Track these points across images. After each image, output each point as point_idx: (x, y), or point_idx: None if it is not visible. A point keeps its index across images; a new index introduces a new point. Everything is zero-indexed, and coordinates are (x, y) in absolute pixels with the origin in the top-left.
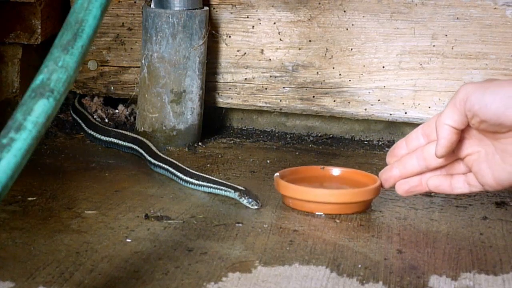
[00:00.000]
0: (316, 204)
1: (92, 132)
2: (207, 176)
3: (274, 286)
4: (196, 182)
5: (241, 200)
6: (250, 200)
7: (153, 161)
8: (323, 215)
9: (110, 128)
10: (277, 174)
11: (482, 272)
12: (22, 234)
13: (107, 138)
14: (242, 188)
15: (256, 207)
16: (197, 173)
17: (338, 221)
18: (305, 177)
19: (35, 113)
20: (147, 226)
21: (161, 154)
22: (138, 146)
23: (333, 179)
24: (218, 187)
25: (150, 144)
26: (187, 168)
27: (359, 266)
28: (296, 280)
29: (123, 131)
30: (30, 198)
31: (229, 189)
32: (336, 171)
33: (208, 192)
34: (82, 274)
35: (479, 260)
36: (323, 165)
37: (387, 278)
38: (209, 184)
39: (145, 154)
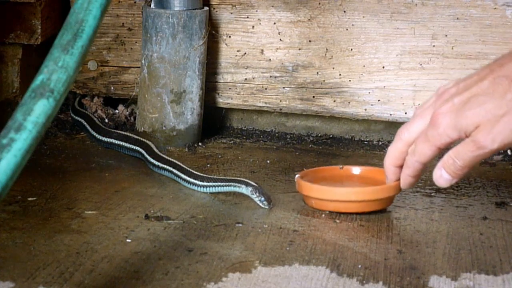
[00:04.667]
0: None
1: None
2: (212, 176)
3: (274, 286)
4: (201, 183)
5: (252, 196)
6: (262, 199)
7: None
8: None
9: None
10: (297, 175)
11: (482, 272)
12: (22, 234)
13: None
14: (254, 184)
15: (266, 207)
16: (202, 174)
17: (338, 221)
18: (326, 177)
19: (35, 113)
20: (147, 226)
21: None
22: (140, 147)
23: (354, 178)
24: (228, 183)
25: (151, 144)
26: (197, 172)
27: (359, 266)
28: (296, 280)
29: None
30: (30, 198)
31: (240, 184)
32: (356, 169)
33: (216, 192)
34: (82, 274)
35: (479, 260)
36: (341, 165)
37: (387, 278)
38: (216, 184)
39: (146, 156)
